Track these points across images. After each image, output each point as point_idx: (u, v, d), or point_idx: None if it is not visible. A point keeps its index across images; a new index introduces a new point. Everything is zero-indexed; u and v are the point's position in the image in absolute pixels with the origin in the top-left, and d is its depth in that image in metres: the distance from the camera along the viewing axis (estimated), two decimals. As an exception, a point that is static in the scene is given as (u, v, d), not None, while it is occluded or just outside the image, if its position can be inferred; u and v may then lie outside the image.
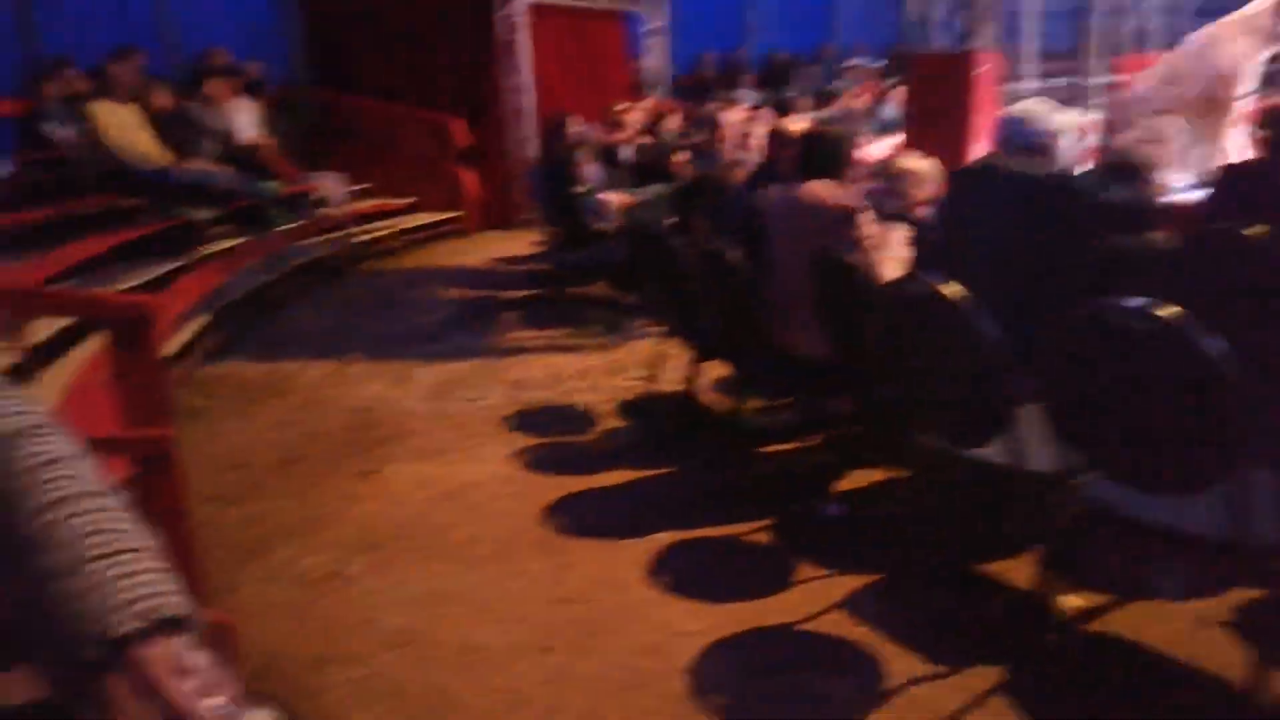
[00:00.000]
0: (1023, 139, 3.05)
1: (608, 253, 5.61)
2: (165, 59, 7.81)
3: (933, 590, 2.64)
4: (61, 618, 0.64)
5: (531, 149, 9.10)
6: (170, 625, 0.65)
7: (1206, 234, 3.10)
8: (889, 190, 3.91)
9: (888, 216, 3.55)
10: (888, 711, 2.14)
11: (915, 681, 2.23)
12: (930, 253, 3.22)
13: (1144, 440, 1.93)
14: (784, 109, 7.31)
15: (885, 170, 4.08)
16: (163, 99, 6.76)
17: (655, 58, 10.99)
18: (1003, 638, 2.38)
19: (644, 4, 10.76)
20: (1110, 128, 5.59)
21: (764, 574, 2.80)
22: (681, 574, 2.80)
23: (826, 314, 3.12)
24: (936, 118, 5.69)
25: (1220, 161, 4.76)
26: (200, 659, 0.65)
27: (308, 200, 7.51)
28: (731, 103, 8.31)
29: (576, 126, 6.45)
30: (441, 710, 2.22)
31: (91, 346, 4.15)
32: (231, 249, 6.36)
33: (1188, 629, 2.35)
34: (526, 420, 4.22)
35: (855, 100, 8.98)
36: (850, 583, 2.70)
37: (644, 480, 3.56)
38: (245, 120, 7.55)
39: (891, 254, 3.37)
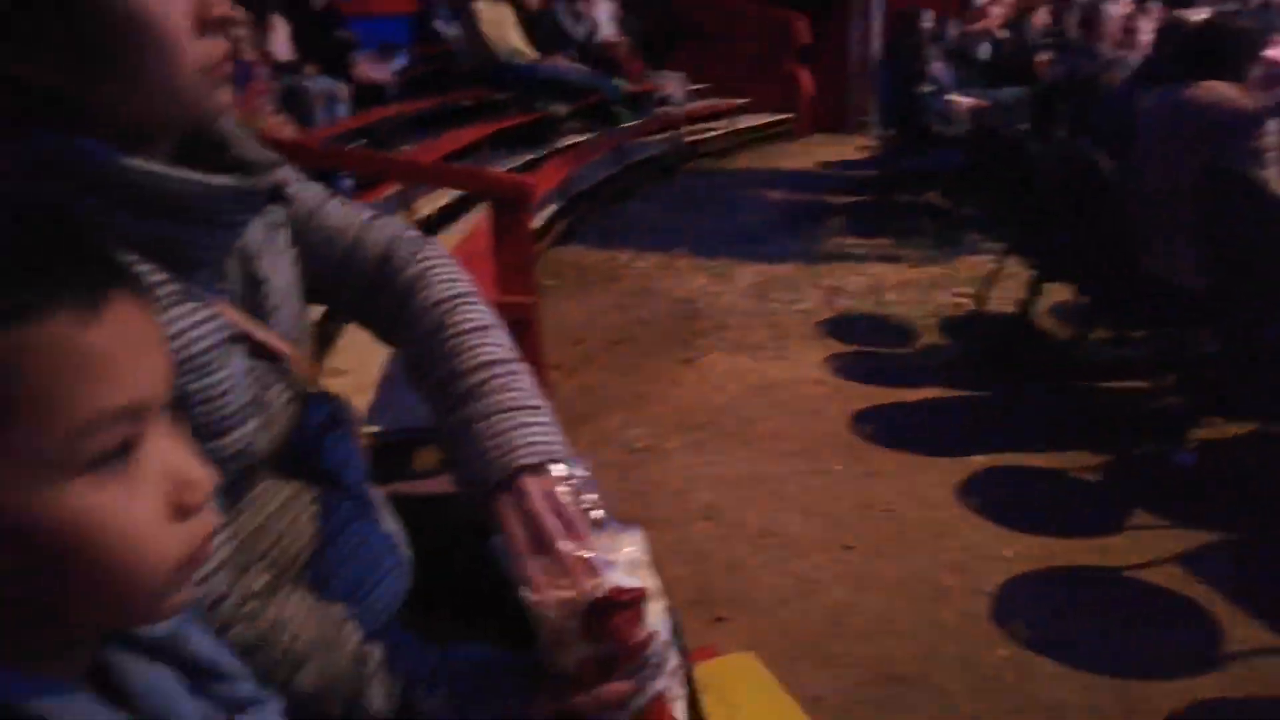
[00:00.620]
0: None
1: (946, 159, 5.30)
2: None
3: (1294, 561, 2.33)
4: (478, 450, 0.80)
5: (875, 46, 8.70)
6: (555, 464, 0.79)
7: None
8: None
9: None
10: (1218, 676, 1.95)
11: (1257, 652, 2.01)
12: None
13: None
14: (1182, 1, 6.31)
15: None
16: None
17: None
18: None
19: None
20: None
21: (1091, 513, 2.62)
22: (995, 499, 2.71)
23: (1208, 237, 2.74)
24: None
25: None
26: (574, 495, 0.78)
27: (651, 99, 7.82)
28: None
29: (928, 22, 6.06)
30: (739, 582, 2.37)
31: (464, 226, 4.74)
32: (580, 143, 6.82)
33: None
34: (842, 327, 4.20)
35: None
36: (1193, 538, 2.45)
37: (962, 400, 3.43)
38: (604, 19, 7.95)
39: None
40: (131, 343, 0.45)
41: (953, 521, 2.60)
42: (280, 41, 5.60)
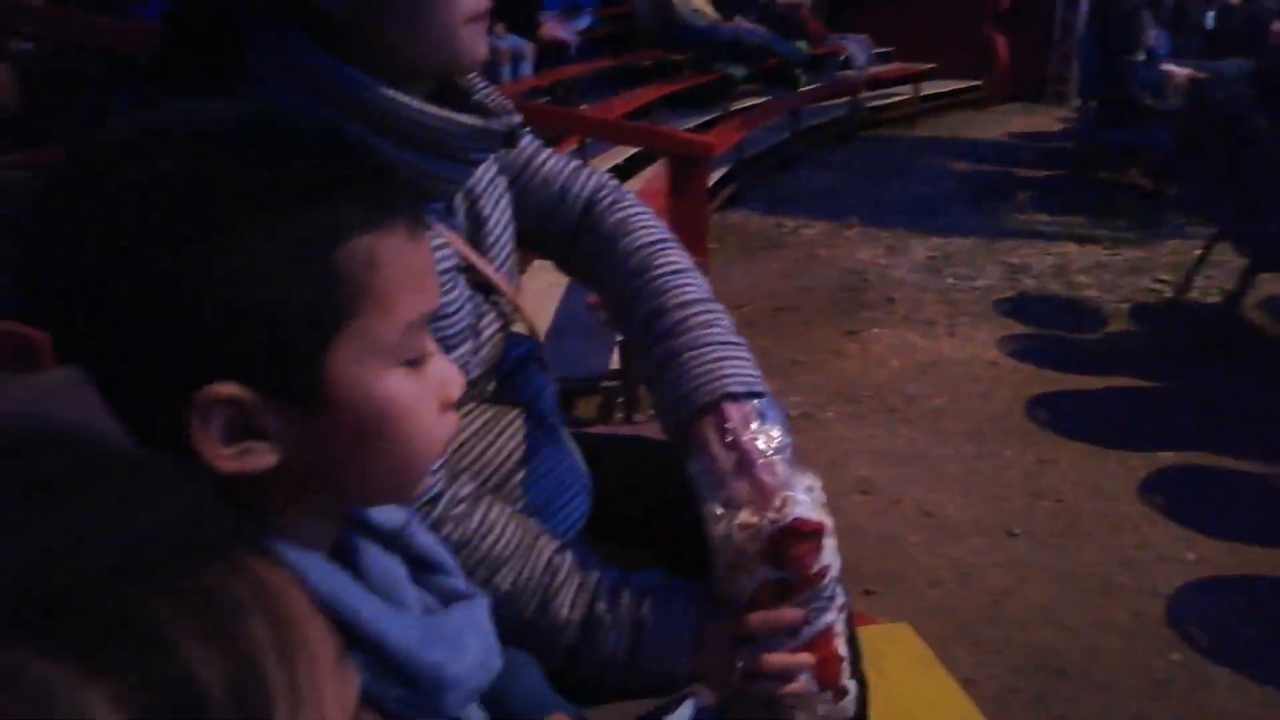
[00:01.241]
0: None
1: (1153, 134, 4.89)
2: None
3: None
4: (686, 376, 0.85)
5: (1082, 9, 8.10)
6: (755, 398, 0.81)
7: None
8: None
9: None
10: None
11: None
12: None
13: None
14: None
15: None
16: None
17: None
18: None
19: None
20: None
21: (1291, 523, 2.40)
22: (1183, 498, 2.52)
23: None
24: None
25: None
26: (773, 427, 0.80)
27: (832, 62, 7.61)
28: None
29: (1143, -17, 5.57)
30: (892, 559, 2.32)
31: (635, 186, 4.80)
32: (754, 106, 6.74)
33: None
34: (1022, 307, 3.99)
35: None
36: None
37: (1153, 392, 3.19)
38: (784, -21, 7.78)
39: None
40: (432, 262, 0.54)
41: (1132, 517, 2.45)
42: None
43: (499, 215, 0.93)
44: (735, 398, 0.82)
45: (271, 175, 0.48)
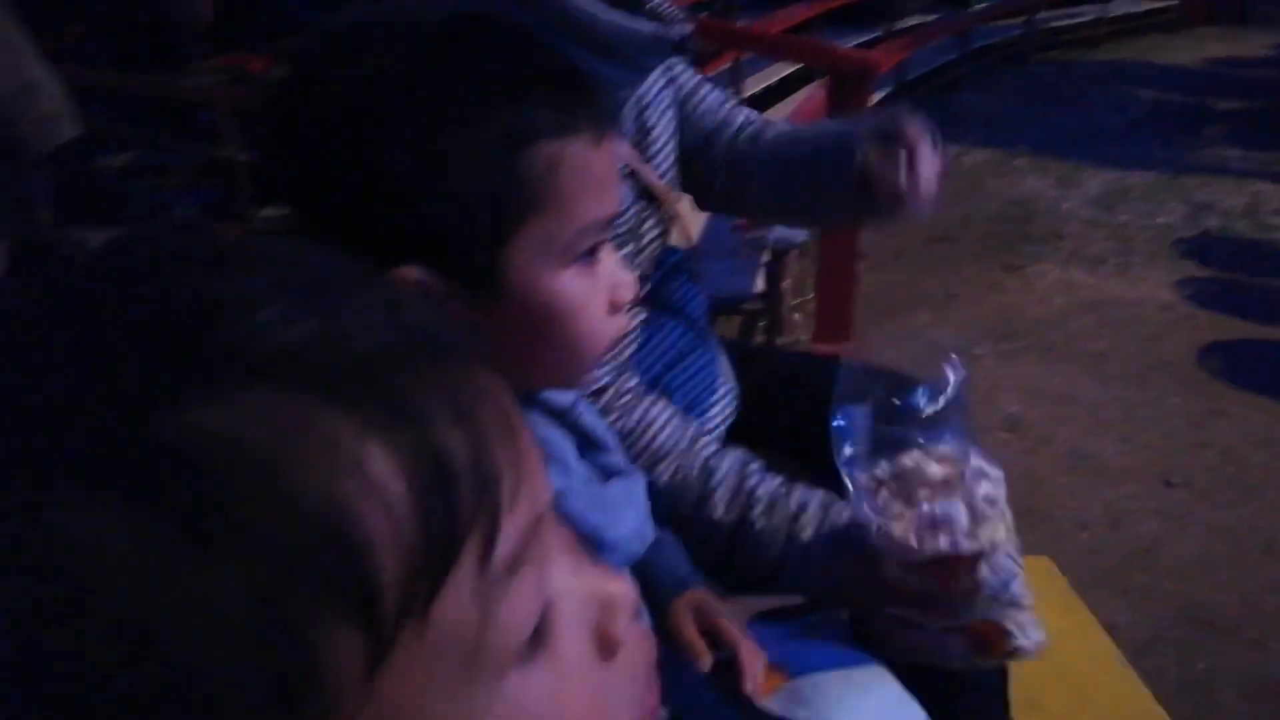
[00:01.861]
0: None
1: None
2: None
3: None
4: None
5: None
6: None
7: None
8: None
9: None
10: None
11: None
12: None
13: None
14: None
15: None
16: None
17: None
18: None
19: None
20: None
21: None
22: (1370, 461, 2.33)
23: None
24: None
25: None
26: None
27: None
28: None
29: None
30: (1037, 499, 2.26)
31: (790, 106, 4.68)
32: (921, 25, 6.39)
33: None
34: (1204, 248, 3.70)
35: None
36: None
37: (1348, 346, 2.93)
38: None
39: None
40: (614, 168, 0.57)
41: (1309, 478, 2.28)
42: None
43: (664, 127, 0.95)
44: None
45: (475, 74, 0.52)
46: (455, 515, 0.24)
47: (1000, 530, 0.72)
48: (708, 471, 0.84)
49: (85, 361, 0.22)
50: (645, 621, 0.30)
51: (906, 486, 0.74)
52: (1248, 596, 1.90)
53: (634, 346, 0.93)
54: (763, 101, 4.74)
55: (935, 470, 0.73)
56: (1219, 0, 7.95)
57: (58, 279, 0.25)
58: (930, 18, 6.55)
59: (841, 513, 0.83)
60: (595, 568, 0.31)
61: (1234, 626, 1.82)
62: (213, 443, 0.21)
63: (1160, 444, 2.45)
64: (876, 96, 5.34)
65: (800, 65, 4.74)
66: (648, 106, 0.93)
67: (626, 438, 0.83)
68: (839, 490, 0.82)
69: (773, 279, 2.72)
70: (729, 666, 0.71)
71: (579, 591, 0.29)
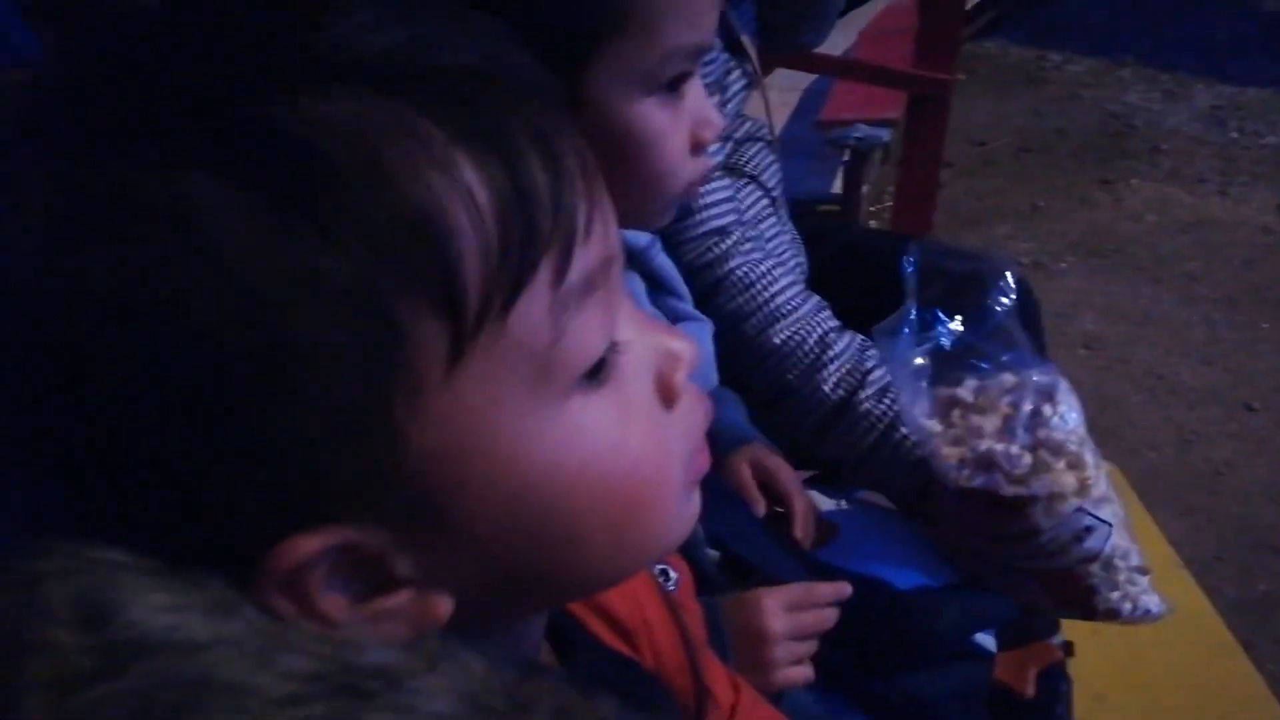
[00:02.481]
0: None
1: None
2: None
3: None
4: None
5: None
6: None
7: None
8: None
9: None
10: None
11: None
12: None
13: None
14: None
15: None
16: None
17: None
18: None
19: None
20: None
21: None
22: None
23: None
24: None
25: None
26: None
27: None
28: None
29: None
30: (1107, 417, 2.21)
31: (880, 4, 4.47)
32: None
33: None
34: (1319, 171, 3.48)
35: None
36: None
37: None
38: None
39: None
40: None
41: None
42: None
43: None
44: None
45: None
46: (534, 230, 0.25)
47: (1067, 479, 0.69)
48: (825, 344, 0.82)
49: (193, 48, 0.24)
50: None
51: (974, 411, 0.70)
52: (1318, 525, 1.85)
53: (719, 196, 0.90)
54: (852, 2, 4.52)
55: (1004, 403, 0.70)
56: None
57: None
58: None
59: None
60: (662, 325, 0.32)
61: (1300, 552, 1.79)
62: (322, 131, 0.23)
63: (1245, 369, 2.36)
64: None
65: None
66: None
67: (748, 288, 0.80)
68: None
69: (851, 180, 2.66)
70: (783, 516, 0.72)
71: (646, 340, 0.31)
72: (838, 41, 4.08)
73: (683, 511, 0.33)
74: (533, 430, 0.27)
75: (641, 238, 0.64)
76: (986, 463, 0.67)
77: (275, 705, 0.22)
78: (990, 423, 0.68)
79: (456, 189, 0.24)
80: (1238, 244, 2.99)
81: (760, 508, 0.72)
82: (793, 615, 0.63)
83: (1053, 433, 0.68)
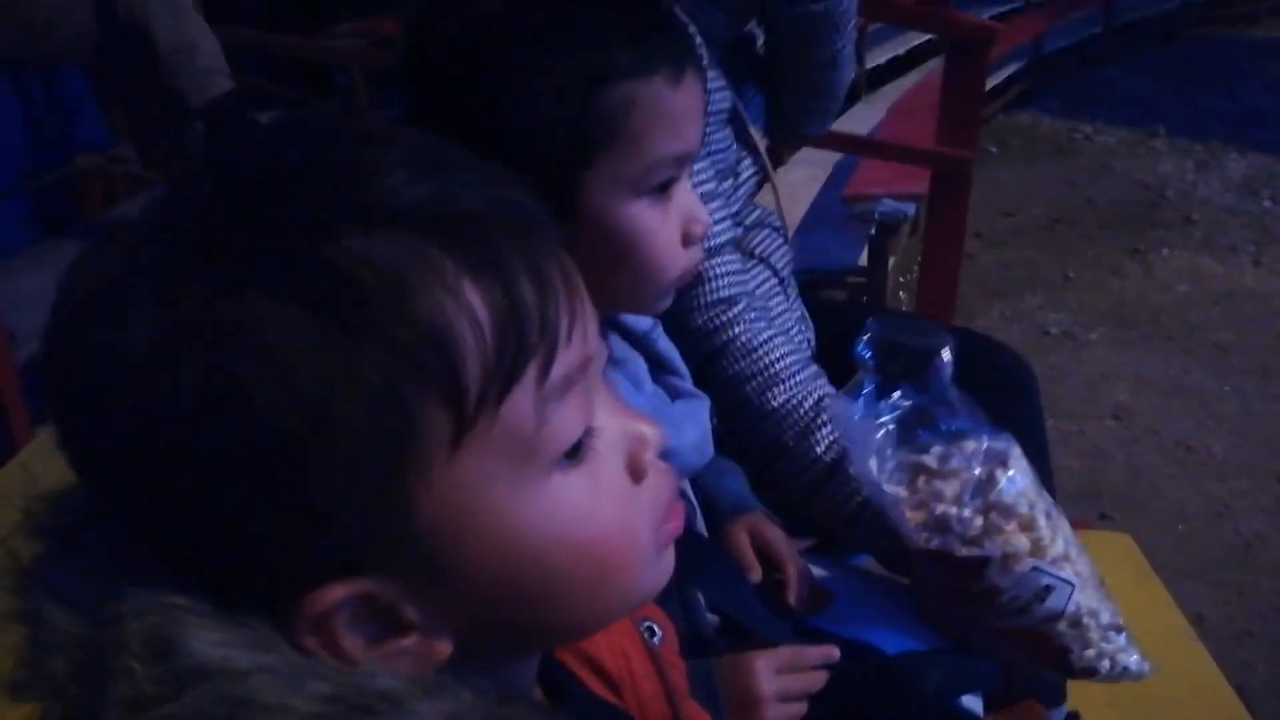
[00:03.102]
0: None
1: None
2: None
3: None
4: None
5: None
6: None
7: None
8: None
9: None
10: None
11: None
12: None
13: None
14: None
15: None
16: None
17: None
18: None
19: None
20: None
21: None
22: None
23: None
24: None
25: None
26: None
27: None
28: None
29: None
30: (1137, 489, 2.21)
31: (911, 80, 4.59)
32: (1062, -3, 6.10)
33: None
34: (1356, 241, 3.46)
35: None
36: None
37: None
38: None
39: None
40: (693, 107, 0.62)
41: None
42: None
43: (753, 75, 1.00)
44: None
45: (562, 21, 0.58)
46: (524, 341, 0.32)
47: (1019, 541, 0.71)
48: (820, 408, 0.86)
49: (267, 200, 0.31)
50: (670, 464, 0.37)
51: (937, 477, 0.73)
52: (1354, 602, 1.83)
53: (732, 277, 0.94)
54: (885, 75, 4.66)
55: (963, 468, 0.73)
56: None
57: (249, 139, 0.34)
58: (1072, -10, 6.24)
59: None
60: (634, 412, 0.39)
61: (1333, 630, 1.76)
62: (360, 264, 0.30)
63: (1276, 441, 2.35)
64: (1010, 69, 5.17)
65: (928, 38, 4.62)
66: (743, 53, 0.97)
67: (749, 353, 0.85)
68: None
69: (877, 252, 2.71)
70: (778, 583, 0.77)
71: (619, 426, 0.37)
72: (868, 117, 4.21)
73: (653, 569, 0.39)
74: (519, 501, 0.33)
75: (644, 322, 0.70)
76: (942, 525, 0.71)
77: None
78: (950, 487, 0.71)
79: (463, 309, 0.30)
80: (1270, 314, 2.98)
81: (756, 574, 0.77)
82: (783, 677, 0.67)
83: (1003, 497, 0.71)
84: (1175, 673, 1.13)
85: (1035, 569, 0.71)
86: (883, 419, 0.72)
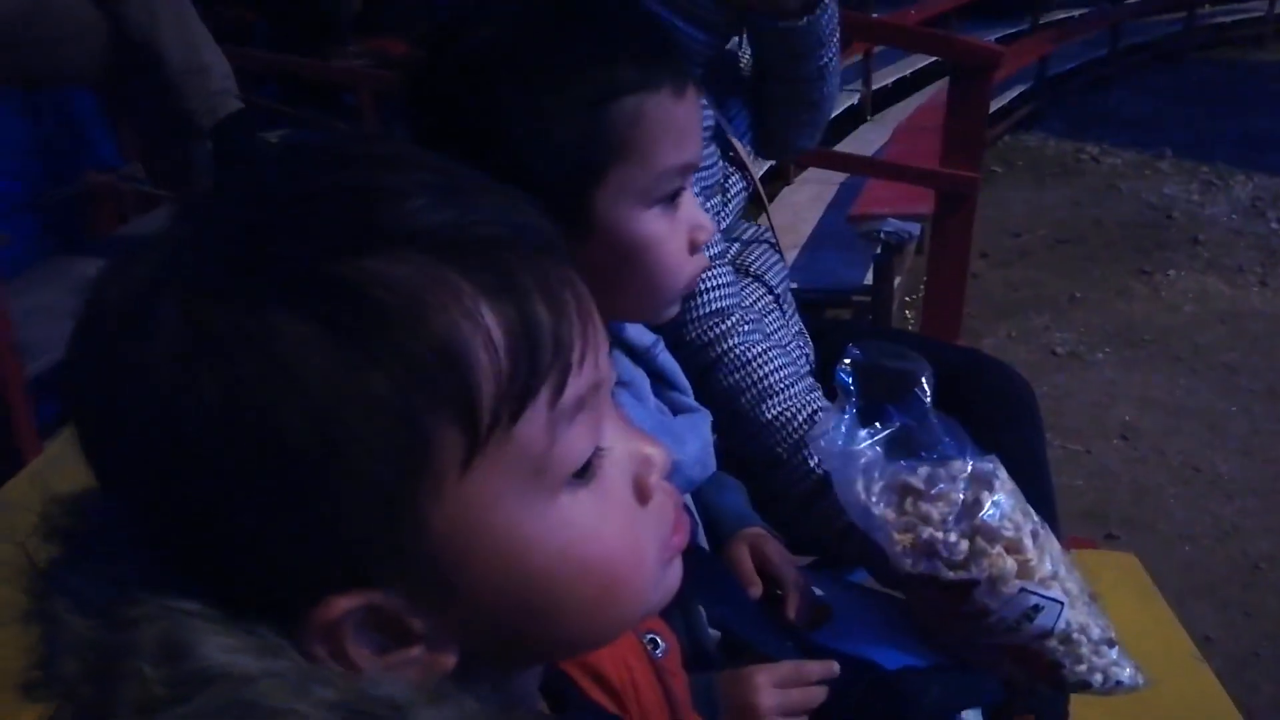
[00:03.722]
0: None
1: None
2: None
3: None
4: None
5: None
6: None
7: None
8: None
9: None
10: None
11: None
12: None
13: None
14: None
15: None
16: None
17: None
18: None
19: None
20: None
21: None
22: None
23: None
24: None
25: None
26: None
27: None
28: None
29: None
30: (1143, 509, 2.20)
31: (917, 100, 4.61)
32: (1068, 19, 6.14)
33: None
34: (1363, 263, 3.46)
35: None
36: None
37: None
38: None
39: None
40: (695, 119, 0.64)
41: None
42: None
43: (741, 91, 1.01)
44: None
45: (569, 40, 0.60)
46: (536, 364, 0.32)
47: (1005, 563, 0.71)
48: (813, 421, 0.86)
49: (289, 220, 0.32)
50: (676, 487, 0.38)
51: (924, 499, 0.74)
52: (1363, 624, 1.82)
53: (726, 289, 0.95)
54: (892, 95, 4.69)
55: (950, 491, 0.73)
56: None
57: (271, 159, 0.35)
58: (1079, 12, 6.28)
59: None
60: (641, 434, 0.39)
61: (1342, 651, 1.75)
62: (378, 284, 0.31)
63: (1285, 462, 2.34)
64: (1016, 90, 5.19)
65: (934, 59, 4.66)
66: (727, 70, 0.98)
67: (744, 366, 0.86)
68: None
69: (882, 272, 2.72)
70: (779, 598, 0.77)
71: (625, 447, 0.37)
72: (874, 138, 4.23)
73: (659, 585, 0.39)
74: (528, 519, 0.34)
75: (646, 338, 0.71)
76: (929, 550, 0.71)
77: None
78: (937, 510, 0.71)
79: (478, 330, 0.31)
80: (1277, 334, 2.98)
81: (756, 590, 0.77)
82: (783, 692, 0.67)
83: (987, 520, 0.72)
84: (1181, 694, 1.12)
85: (1023, 590, 0.71)
86: (866, 443, 0.72)
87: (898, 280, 2.81)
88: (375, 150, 0.35)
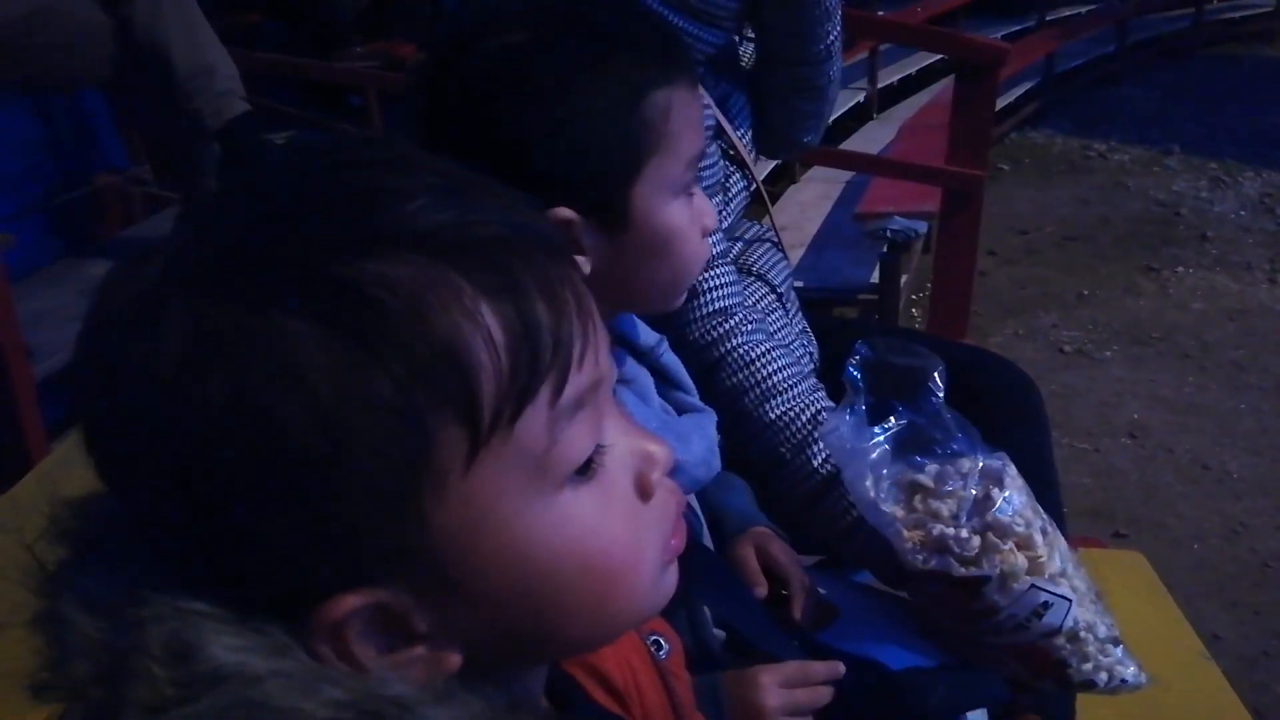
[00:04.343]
0: None
1: None
2: None
3: None
4: None
5: None
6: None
7: None
8: None
9: None
10: None
11: None
12: None
13: None
14: None
15: None
16: None
17: None
18: None
19: None
20: None
21: None
22: None
23: None
24: None
25: None
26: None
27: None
28: None
29: None
30: (1152, 507, 2.20)
31: (923, 98, 4.60)
32: (1074, 15, 6.12)
33: None
34: (1372, 259, 3.44)
35: None
36: None
37: None
38: None
39: None
40: (702, 112, 0.66)
41: None
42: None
43: (742, 90, 1.01)
44: None
45: (593, 38, 0.61)
46: (537, 363, 0.33)
47: (1016, 559, 0.71)
48: (817, 421, 0.86)
49: (293, 222, 0.32)
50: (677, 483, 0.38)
51: (933, 496, 0.74)
52: (1373, 623, 1.81)
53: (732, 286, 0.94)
54: (897, 93, 4.68)
55: (960, 487, 0.73)
56: None
57: (277, 161, 0.36)
58: (1085, 8, 6.26)
59: None
60: (643, 431, 0.39)
61: (1352, 650, 1.74)
62: (380, 285, 0.31)
63: (1295, 460, 2.33)
64: (1023, 87, 5.18)
65: (940, 57, 4.64)
66: (727, 67, 0.99)
67: (748, 365, 0.86)
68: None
69: (888, 270, 2.72)
70: (784, 598, 0.77)
71: (627, 444, 0.38)
72: (879, 136, 4.22)
73: (659, 585, 0.39)
74: (530, 516, 0.34)
75: (650, 337, 0.71)
76: (940, 546, 0.71)
77: None
78: (947, 507, 0.71)
79: (479, 331, 0.31)
80: (1287, 331, 2.97)
81: (762, 590, 0.77)
82: (788, 692, 0.67)
83: (999, 516, 0.71)
84: (1189, 694, 1.12)
85: (1033, 587, 0.71)
86: (876, 439, 0.72)
87: (904, 279, 2.80)
88: (378, 153, 0.36)
